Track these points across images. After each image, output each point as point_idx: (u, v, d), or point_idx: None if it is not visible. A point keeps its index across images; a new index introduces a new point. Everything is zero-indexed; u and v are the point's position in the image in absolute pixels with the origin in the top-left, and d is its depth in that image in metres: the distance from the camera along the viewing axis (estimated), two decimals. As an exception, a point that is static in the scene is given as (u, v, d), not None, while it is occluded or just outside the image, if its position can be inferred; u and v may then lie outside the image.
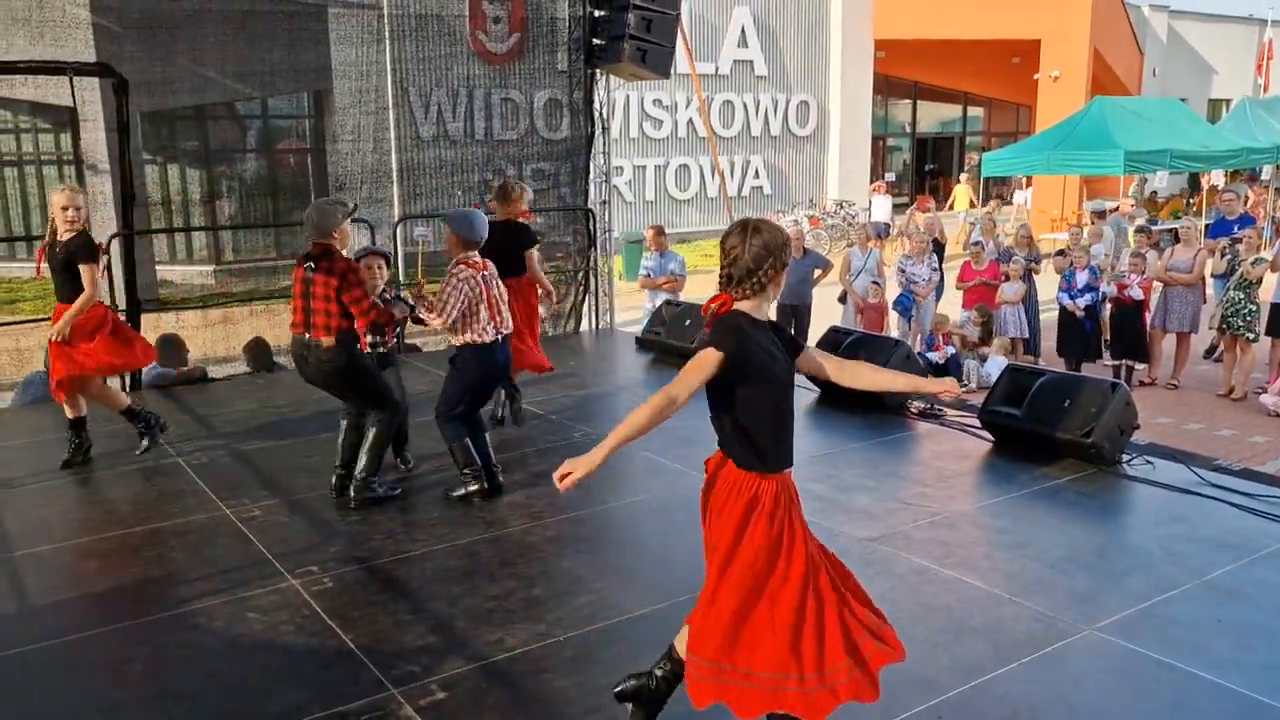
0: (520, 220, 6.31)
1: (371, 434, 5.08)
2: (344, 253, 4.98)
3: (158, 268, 13.05)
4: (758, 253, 2.71)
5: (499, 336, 5.15)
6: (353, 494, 5.14)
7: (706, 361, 2.65)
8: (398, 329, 6.83)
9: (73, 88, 7.61)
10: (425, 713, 3.25)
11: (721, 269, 2.80)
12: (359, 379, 5.09)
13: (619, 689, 3.07)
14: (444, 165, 9.66)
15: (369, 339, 6.48)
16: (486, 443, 5.32)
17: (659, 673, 3.01)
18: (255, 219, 17.30)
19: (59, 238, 5.49)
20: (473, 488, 5.15)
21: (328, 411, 6.81)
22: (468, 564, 4.39)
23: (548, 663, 3.55)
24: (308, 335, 4.96)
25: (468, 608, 3.97)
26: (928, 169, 31.78)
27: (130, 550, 4.56)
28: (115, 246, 7.71)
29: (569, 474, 2.59)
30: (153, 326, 8.47)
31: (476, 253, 5.13)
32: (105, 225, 9.02)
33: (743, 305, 2.77)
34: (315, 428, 6.58)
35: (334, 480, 5.28)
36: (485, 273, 5.11)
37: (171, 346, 8.26)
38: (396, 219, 9.73)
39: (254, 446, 6.18)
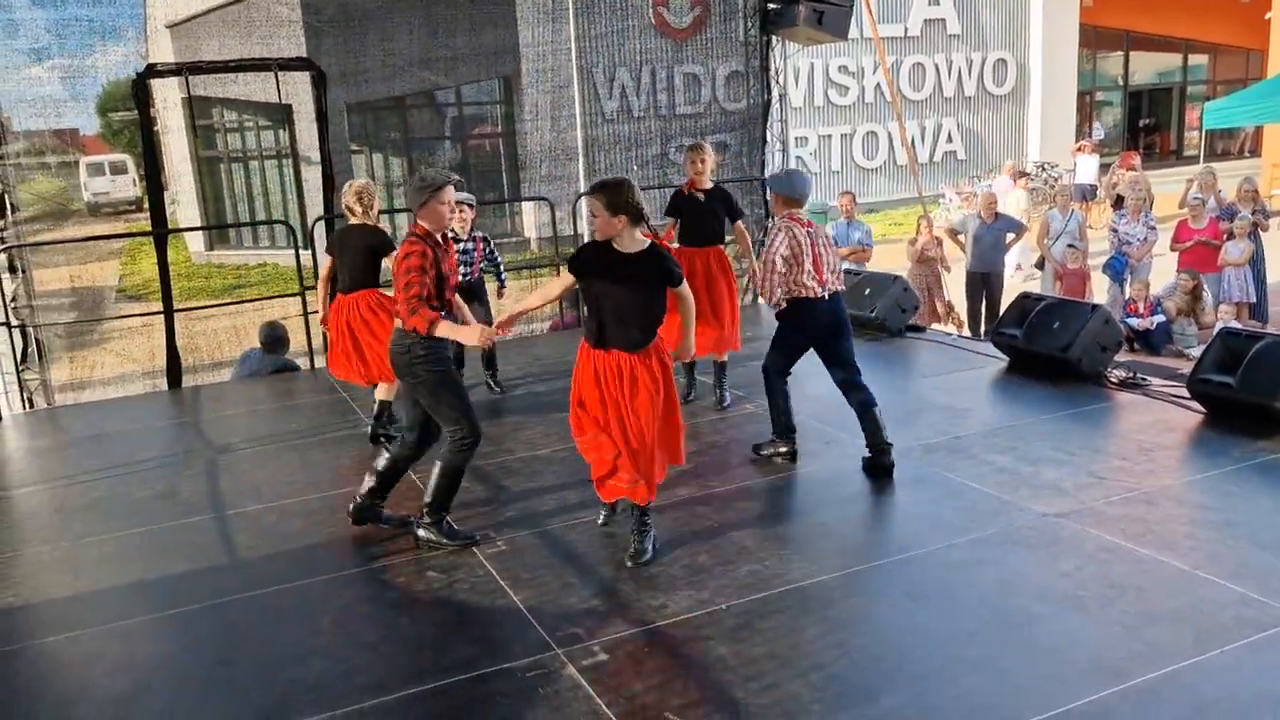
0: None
1: (438, 465, 4.32)
2: (444, 233, 4.26)
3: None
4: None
5: (825, 293, 5.03)
6: (420, 533, 4.38)
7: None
8: (484, 264, 6.78)
9: (278, 82, 8.17)
10: (586, 673, 3.31)
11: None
12: (432, 383, 4.23)
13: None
14: (620, 140, 9.77)
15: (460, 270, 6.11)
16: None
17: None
18: (450, 202, 18.10)
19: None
20: (782, 449, 5.26)
21: (504, 383, 7.06)
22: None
23: (709, 630, 3.55)
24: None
25: (633, 573, 4.02)
26: (1143, 124, 29.46)
27: (327, 511, 4.88)
28: (319, 230, 8.25)
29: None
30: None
31: (801, 210, 5.10)
32: (316, 211, 9.68)
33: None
34: (493, 400, 6.83)
35: (351, 506, 4.56)
36: (811, 229, 5.06)
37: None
38: (577, 196, 9.93)
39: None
